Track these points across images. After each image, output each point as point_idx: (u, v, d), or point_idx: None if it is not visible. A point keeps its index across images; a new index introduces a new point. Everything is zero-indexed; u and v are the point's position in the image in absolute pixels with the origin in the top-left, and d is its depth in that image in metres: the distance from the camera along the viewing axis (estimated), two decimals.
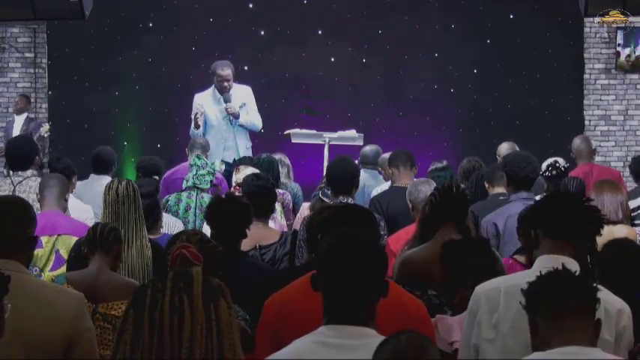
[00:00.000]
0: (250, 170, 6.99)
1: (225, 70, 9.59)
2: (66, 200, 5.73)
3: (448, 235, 4.43)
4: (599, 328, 2.81)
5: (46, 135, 10.43)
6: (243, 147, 9.58)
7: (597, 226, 3.46)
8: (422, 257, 4.39)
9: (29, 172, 6.22)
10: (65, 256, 5.23)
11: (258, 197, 5.70)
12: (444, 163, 7.56)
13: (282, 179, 8.01)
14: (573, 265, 3.28)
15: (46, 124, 10.98)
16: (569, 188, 6.34)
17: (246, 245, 5.07)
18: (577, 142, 8.32)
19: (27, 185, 6.18)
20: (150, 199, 5.54)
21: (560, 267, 2.96)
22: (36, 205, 5.68)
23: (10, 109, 12.55)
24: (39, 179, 6.06)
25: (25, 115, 12.07)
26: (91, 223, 5.85)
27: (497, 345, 3.29)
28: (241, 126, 9.62)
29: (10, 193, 6.00)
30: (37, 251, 5.23)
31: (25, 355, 3.13)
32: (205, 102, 9.58)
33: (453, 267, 3.94)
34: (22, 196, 5.67)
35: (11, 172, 6.38)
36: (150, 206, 5.51)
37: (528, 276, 3.33)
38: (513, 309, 3.27)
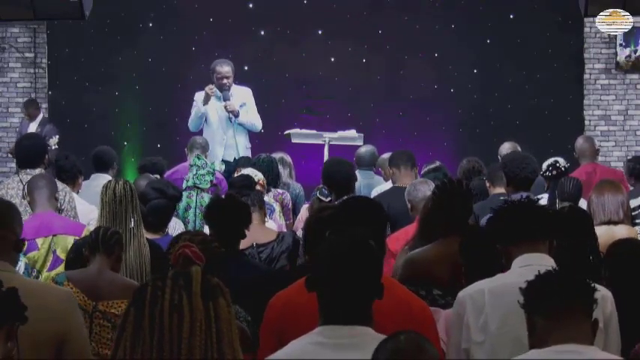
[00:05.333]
0: (250, 171, 7.02)
1: (225, 67, 9.60)
2: (56, 199, 5.71)
3: (451, 236, 4.37)
4: (597, 327, 2.83)
5: (54, 147, 10.44)
6: (243, 146, 9.58)
7: (549, 220, 3.56)
8: (425, 258, 4.36)
9: (38, 171, 6.18)
10: (62, 255, 5.22)
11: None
12: (437, 163, 7.56)
13: (285, 179, 8.02)
14: (548, 261, 3.35)
15: (57, 136, 10.98)
16: (565, 189, 6.34)
17: (242, 243, 5.06)
18: (580, 141, 8.33)
19: None
20: (171, 201, 5.56)
21: (535, 265, 3.01)
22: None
23: (11, 109, 12.55)
24: None
25: (39, 117, 12.01)
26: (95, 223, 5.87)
27: (486, 347, 3.30)
28: (241, 125, 9.61)
29: (20, 191, 5.98)
30: (34, 253, 5.22)
31: (20, 355, 3.12)
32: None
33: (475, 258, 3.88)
34: None
35: (20, 171, 6.34)
36: (170, 207, 5.57)
37: (510, 275, 3.37)
38: (499, 309, 3.29)
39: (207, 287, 2.29)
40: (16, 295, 2.69)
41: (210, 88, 9.46)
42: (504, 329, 3.29)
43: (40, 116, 12.02)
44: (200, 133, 9.58)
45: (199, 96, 9.63)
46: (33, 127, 11.75)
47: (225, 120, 9.55)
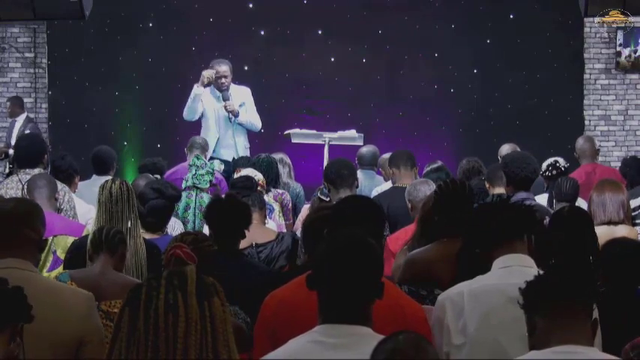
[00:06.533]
0: (249, 171, 7.01)
1: (223, 66, 9.58)
2: (56, 200, 5.70)
3: (452, 236, 4.35)
4: (597, 327, 2.82)
5: None
6: (242, 146, 9.57)
7: (530, 218, 3.53)
8: (426, 258, 4.33)
9: (37, 170, 6.17)
10: (62, 256, 5.21)
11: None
12: (439, 163, 7.56)
13: (284, 179, 8.02)
14: (527, 261, 3.34)
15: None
16: (562, 189, 6.35)
17: (242, 243, 5.05)
18: (580, 141, 8.33)
19: None
20: (170, 201, 5.56)
21: (515, 266, 2.98)
22: None
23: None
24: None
25: (24, 115, 12.06)
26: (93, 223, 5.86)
27: (465, 349, 3.29)
28: (240, 124, 9.60)
29: (19, 191, 5.97)
30: None
31: (37, 355, 3.13)
32: (205, 99, 9.58)
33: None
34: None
35: (19, 170, 6.32)
36: (169, 207, 5.58)
37: (490, 277, 3.35)
38: (478, 311, 3.28)
39: (201, 287, 2.29)
40: (22, 294, 2.69)
41: (210, 74, 9.40)
42: (483, 331, 3.27)
43: (24, 115, 12.03)
44: (196, 126, 9.58)
45: (197, 90, 9.60)
46: (17, 126, 11.79)
47: (224, 120, 9.54)
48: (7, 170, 10.84)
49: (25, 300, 2.68)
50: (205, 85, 9.47)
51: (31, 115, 12.35)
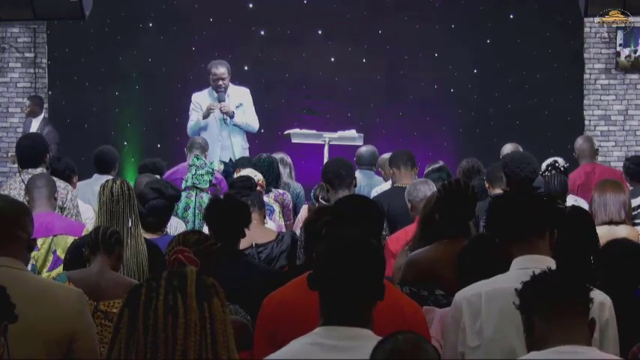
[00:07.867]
0: (249, 171, 7.01)
1: (220, 68, 9.57)
2: (56, 199, 5.70)
3: (454, 237, 4.35)
4: (594, 327, 2.82)
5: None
6: (239, 147, 9.56)
7: (550, 212, 3.44)
8: (428, 258, 4.34)
9: (39, 170, 6.17)
10: (63, 256, 5.22)
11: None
12: (440, 163, 7.57)
13: (285, 179, 8.03)
14: (549, 263, 3.25)
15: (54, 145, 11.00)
16: (551, 186, 6.35)
17: (242, 243, 5.06)
18: (579, 141, 8.33)
19: None
20: (169, 201, 5.56)
21: (533, 268, 2.96)
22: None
23: (11, 109, 12.56)
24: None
25: (41, 116, 12.03)
26: (91, 222, 5.86)
27: (480, 352, 3.28)
28: (236, 125, 9.59)
29: (21, 191, 5.97)
30: (34, 253, 5.20)
31: (29, 354, 3.13)
32: (203, 101, 9.59)
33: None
34: None
35: (21, 170, 6.31)
36: (169, 207, 5.59)
37: (507, 279, 3.32)
38: (495, 313, 3.26)
39: (201, 288, 2.29)
40: (4, 294, 2.68)
41: (212, 107, 9.42)
42: (497, 335, 3.26)
43: (42, 116, 12.02)
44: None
45: (197, 97, 9.62)
46: (35, 126, 11.76)
47: (220, 121, 9.53)
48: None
49: (7, 299, 2.67)
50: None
51: (47, 116, 12.30)
